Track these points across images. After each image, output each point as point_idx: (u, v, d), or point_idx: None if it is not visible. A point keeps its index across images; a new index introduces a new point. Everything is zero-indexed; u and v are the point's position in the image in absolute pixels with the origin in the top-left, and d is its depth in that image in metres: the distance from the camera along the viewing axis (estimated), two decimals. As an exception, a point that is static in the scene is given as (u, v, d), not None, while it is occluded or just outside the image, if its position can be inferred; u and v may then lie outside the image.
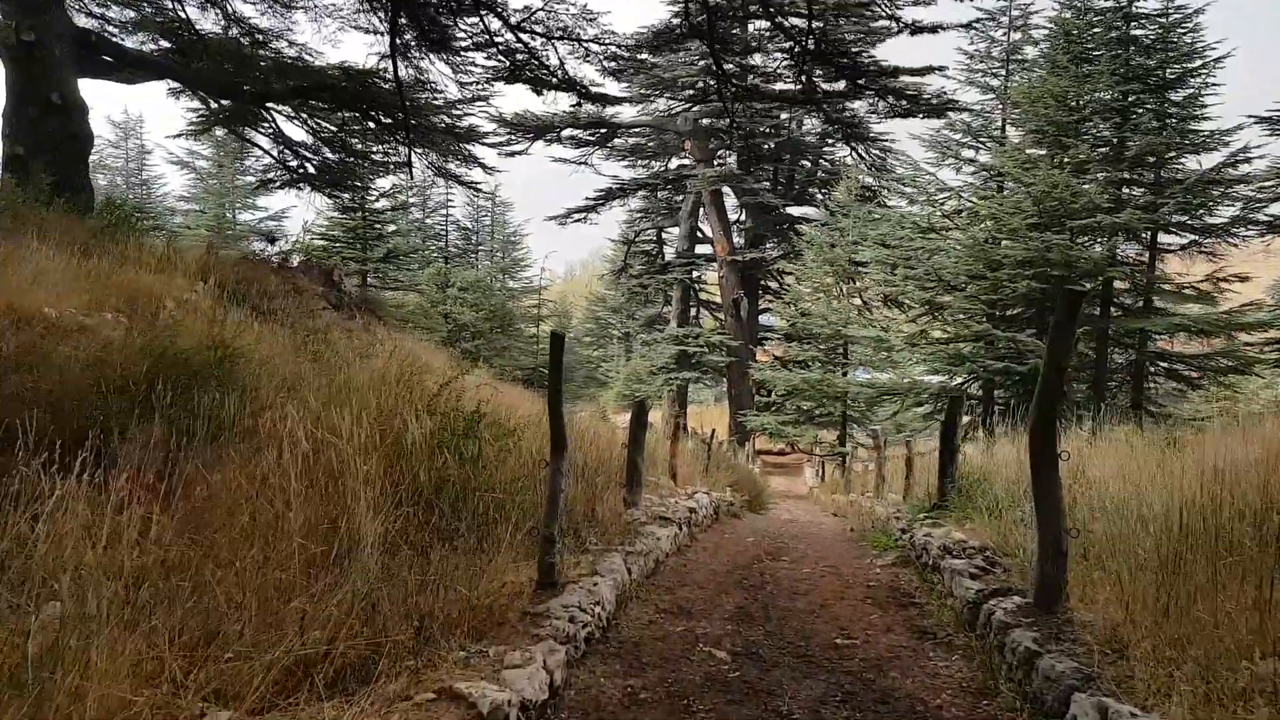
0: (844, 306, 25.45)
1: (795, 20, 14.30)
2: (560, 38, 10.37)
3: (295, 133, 19.67)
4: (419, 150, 18.65)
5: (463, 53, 11.36)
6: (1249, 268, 18.22)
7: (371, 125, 18.25)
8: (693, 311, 35.70)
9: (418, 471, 4.18)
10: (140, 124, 42.67)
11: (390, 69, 15.77)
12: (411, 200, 43.96)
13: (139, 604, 2.77)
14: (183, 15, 15.33)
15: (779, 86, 26.59)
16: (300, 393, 7.09)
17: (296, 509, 3.39)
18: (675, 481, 8.87)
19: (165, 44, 16.79)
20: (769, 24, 16.58)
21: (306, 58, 15.85)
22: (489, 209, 48.43)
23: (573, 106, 11.92)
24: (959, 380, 19.46)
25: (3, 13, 12.94)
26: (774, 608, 4.71)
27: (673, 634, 4.09)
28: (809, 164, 33.90)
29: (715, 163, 32.60)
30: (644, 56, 10.60)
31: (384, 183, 27.84)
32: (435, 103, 17.45)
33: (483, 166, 19.00)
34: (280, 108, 17.86)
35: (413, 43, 11.31)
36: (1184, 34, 17.01)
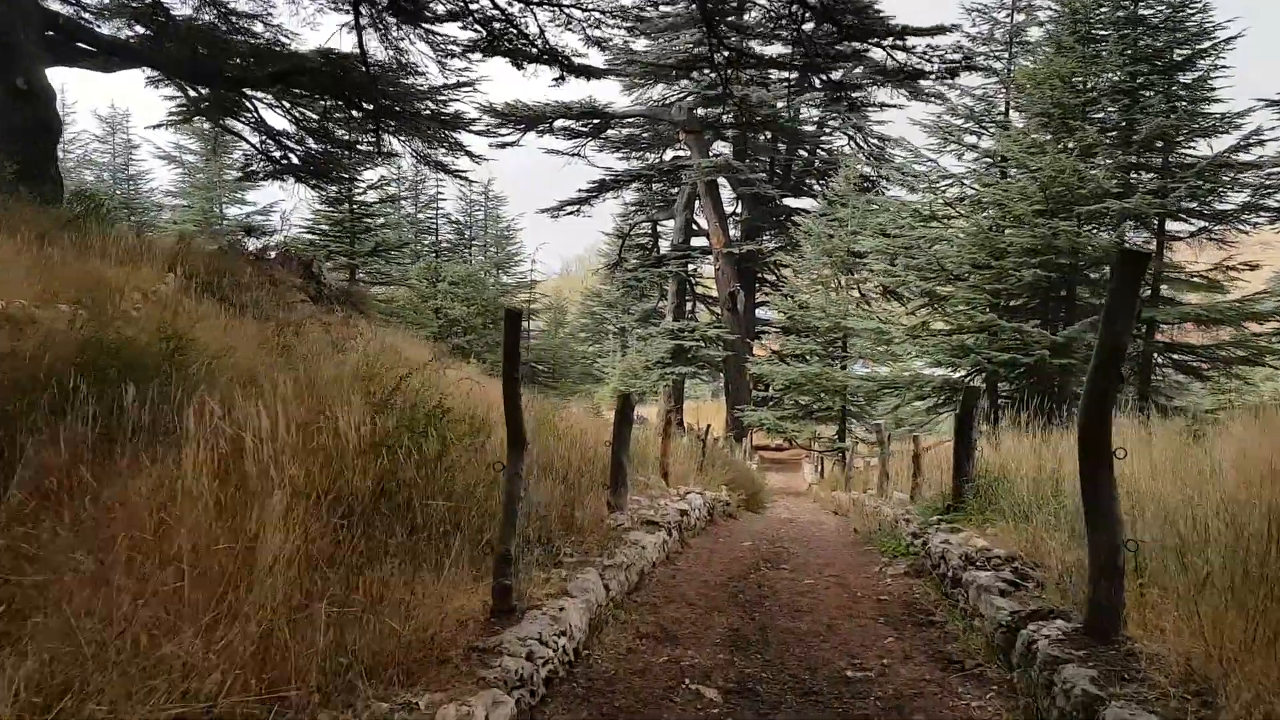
0: (843, 298, 24.87)
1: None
2: (539, 2, 9.74)
3: (278, 123, 19.05)
4: (403, 138, 18.04)
5: (437, 22, 10.73)
6: (1253, 255, 17.70)
7: (355, 113, 17.65)
8: (689, 305, 35.10)
9: (353, 477, 3.58)
10: (127, 118, 41.95)
11: (369, 47, 15.12)
12: (403, 194, 43.42)
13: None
14: (157, -1, 14.69)
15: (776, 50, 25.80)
16: (257, 387, 6.52)
17: (194, 523, 2.79)
18: (667, 481, 8.29)
19: (141, 30, 16.18)
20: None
21: (283, 39, 15.23)
22: (482, 203, 47.78)
23: (555, 80, 11.33)
24: (962, 373, 18.87)
25: (-40, -7, 12.32)
26: (773, 629, 4.12)
27: (654, 666, 3.50)
28: (806, 154, 33.28)
29: (711, 153, 31.98)
30: (629, 24, 9.94)
31: (372, 175, 27.21)
32: (420, 89, 16.85)
33: (469, 154, 18.38)
34: (261, 96, 17.26)
35: (385, 12, 10.66)
36: (1193, 13, 16.43)
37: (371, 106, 17.04)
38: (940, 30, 14.58)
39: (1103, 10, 16.68)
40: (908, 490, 9.28)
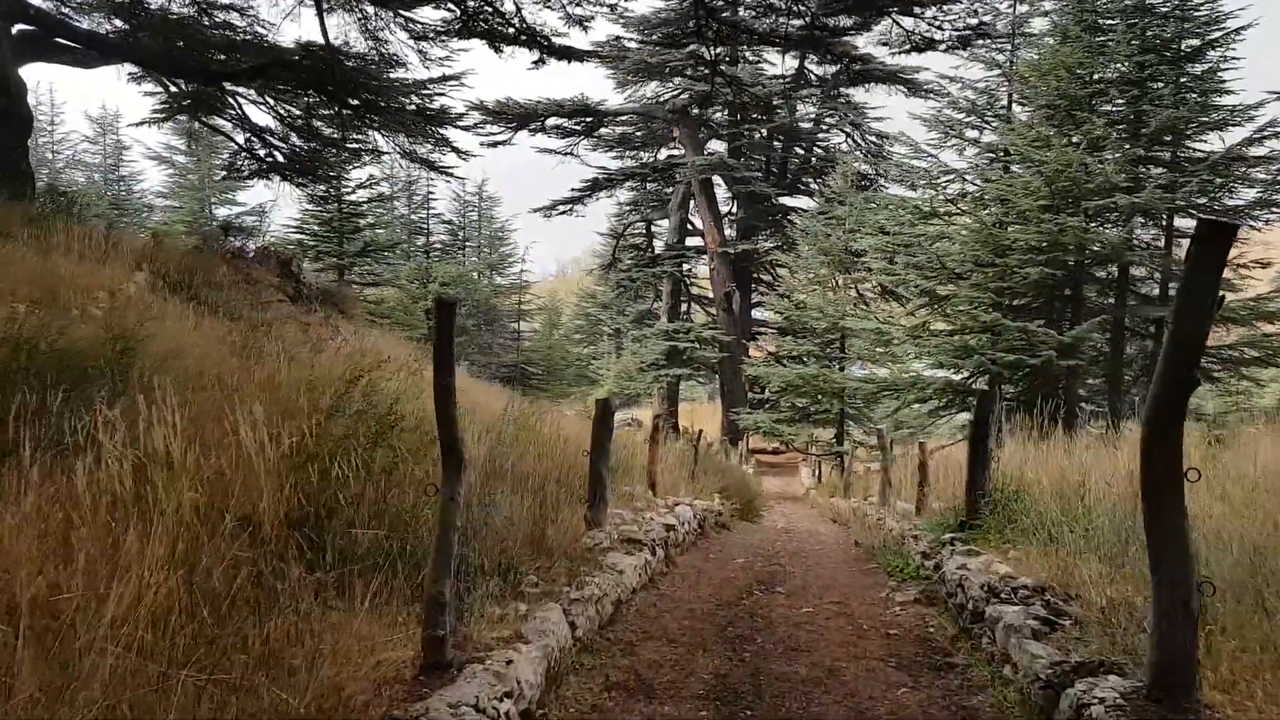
0: (841, 298, 24.31)
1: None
2: (514, -24, 9.16)
3: (263, 120, 18.48)
4: (386, 134, 17.48)
5: (414, 5, 10.15)
6: (1261, 253, 17.23)
7: (340, 109, 17.09)
8: (684, 306, 34.52)
9: (261, 499, 3.00)
10: (118, 119, 41.32)
11: (349, 38, 14.59)
12: (396, 194, 42.79)
13: None
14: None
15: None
16: (206, 391, 6.00)
17: (42, 561, 2.21)
18: (654, 491, 7.72)
19: (120, 24, 15.63)
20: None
21: (261, 30, 14.66)
22: (475, 204, 47.22)
23: (535, 63, 10.75)
24: (964, 374, 18.32)
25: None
26: (767, 675, 3.55)
27: (623, 728, 2.93)
28: (802, 152, 32.74)
29: (705, 152, 31.42)
30: (612, 2, 9.33)
31: (361, 174, 26.65)
32: (404, 83, 16.30)
33: (456, 151, 17.81)
34: (244, 92, 16.72)
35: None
36: (1201, 2, 15.92)
37: (355, 102, 16.51)
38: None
39: (1110, -2, 16.17)
40: (912, 500, 8.73)
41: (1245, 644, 2.54)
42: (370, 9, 10.88)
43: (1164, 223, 16.87)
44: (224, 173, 21.78)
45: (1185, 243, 17.26)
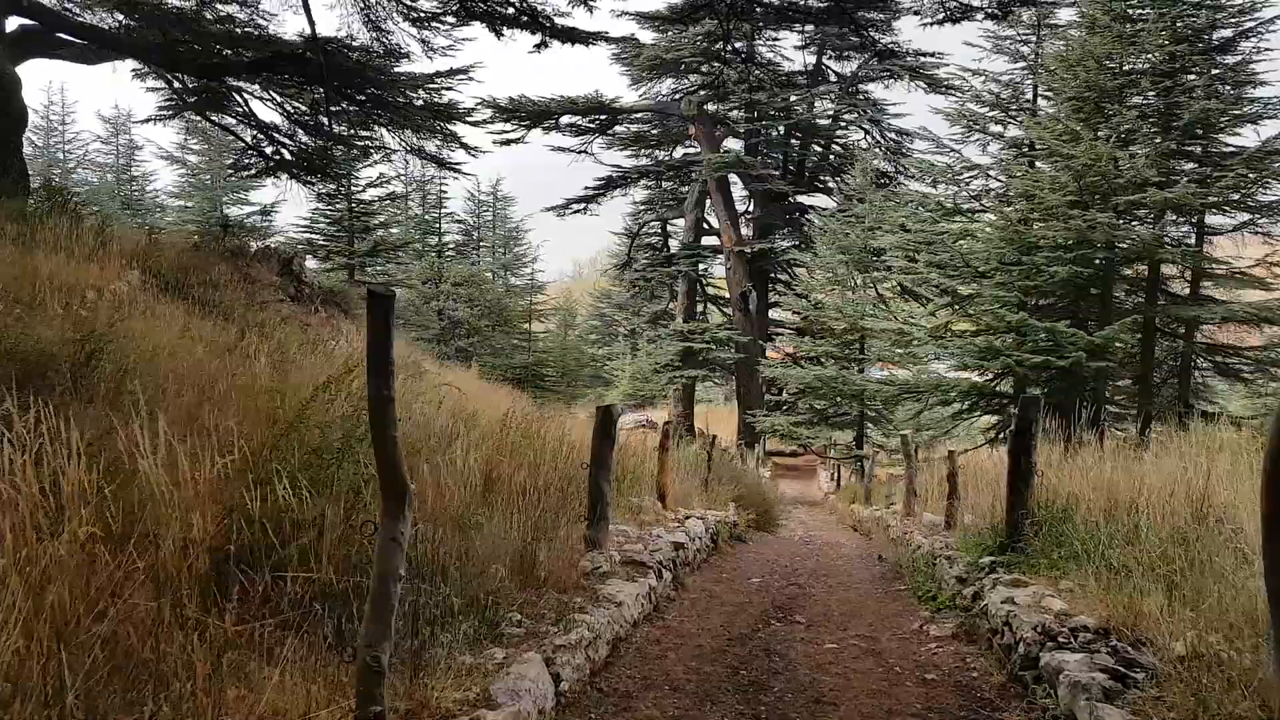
0: (860, 298, 23.72)
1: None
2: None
3: (271, 117, 18.16)
4: (392, 130, 17.09)
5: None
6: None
7: (347, 105, 16.73)
8: (700, 307, 33.99)
9: (173, 533, 2.52)
10: (130, 119, 41.28)
11: (352, 29, 14.21)
12: (410, 193, 42.59)
13: None
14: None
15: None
16: (190, 396, 5.61)
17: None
18: (664, 503, 7.22)
19: (122, 18, 15.33)
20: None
21: (261, 21, 14.28)
22: (490, 203, 46.99)
23: (536, 47, 10.28)
24: (989, 376, 17.71)
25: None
26: (786, 733, 3.05)
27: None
28: (820, 149, 32.13)
29: (722, 150, 30.88)
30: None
31: (372, 172, 26.33)
32: (411, 76, 15.92)
33: (464, 147, 17.40)
34: (250, 88, 16.40)
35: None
36: (1237, -11, 15.26)
37: (361, 97, 16.15)
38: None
39: (1141, -14, 15.51)
40: (938, 512, 8.18)
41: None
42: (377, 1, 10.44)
43: (1195, 220, 16.20)
44: (231, 171, 21.49)
45: (1217, 240, 16.71)
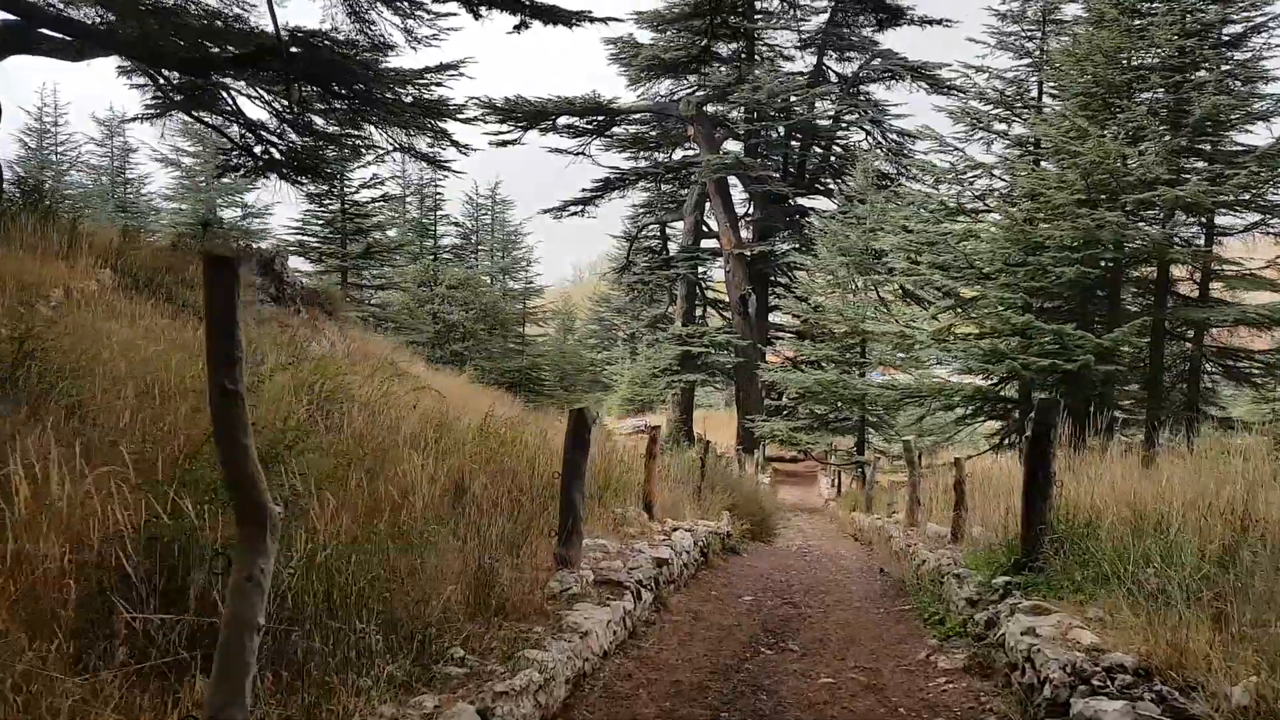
0: (861, 300, 23.25)
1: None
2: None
3: (260, 116, 17.74)
4: (381, 127, 16.66)
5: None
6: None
7: (334, 102, 16.31)
8: (699, 310, 33.53)
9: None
10: (123, 121, 40.91)
11: (336, 20, 13.84)
12: (407, 195, 42.23)
13: None
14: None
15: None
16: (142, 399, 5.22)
17: None
18: (651, 514, 6.75)
19: (103, 10, 14.93)
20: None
21: (241, 10, 13.83)
22: (488, 207, 46.63)
23: (515, 28, 9.83)
24: (993, 380, 17.24)
25: None
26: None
27: None
28: (821, 150, 31.70)
29: (721, 151, 30.45)
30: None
31: (365, 173, 25.89)
32: (400, 72, 15.50)
33: (455, 145, 16.94)
34: (237, 86, 15.99)
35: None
36: (1247, -18, 14.84)
37: (348, 93, 15.74)
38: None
39: (1150, -23, 15.08)
40: (944, 522, 7.71)
41: None
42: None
43: (1205, 220, 15.74)
44: (219, 172, 21.08)
45: (1226, 240, 16.25)
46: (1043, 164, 16.28)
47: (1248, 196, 14.96)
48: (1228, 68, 14.96)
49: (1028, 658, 3.26)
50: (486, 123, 28.88)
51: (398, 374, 11.39)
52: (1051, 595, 3.81)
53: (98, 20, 15.17)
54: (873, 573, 7.51)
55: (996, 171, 17.34)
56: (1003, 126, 17.73)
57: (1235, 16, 15.05)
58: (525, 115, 29.12)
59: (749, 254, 29.30)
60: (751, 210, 32.10)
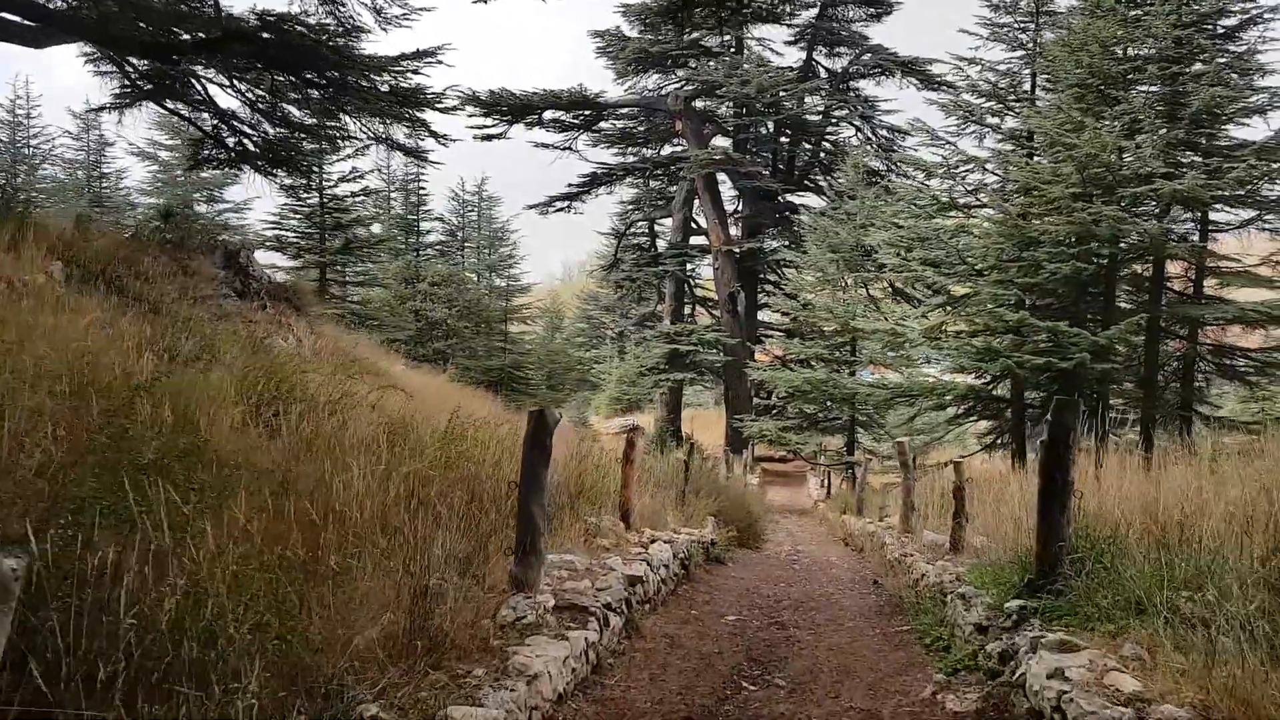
0: (851, 298, 22.83)
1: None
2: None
3: (232, 105, 17.15)
4: (355, 117, 16.07)
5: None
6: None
7: (307, 89, 15.73)
8: (688, 308, 33.05)
9: None
10: (91, 111, 40.08)
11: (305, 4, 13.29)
12: (393, 192, 41.58)
13: None
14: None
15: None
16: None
17: None
18: (628, 523, 6.24)
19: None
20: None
21: (207, -4, 13.24)
22: (475, 204, 46.02)
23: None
24: (984, 380, 16.83)
25: None
26: None
27: None
28: (811, 146, 31.28)
29: (710, 147, 29.97)
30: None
31: (345, 165, 25.27)
32: (375, 58, 14.94)
33: (434, 135, 16.39)
34: (206, 72, 15.40)
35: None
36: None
37: (321, 80, 15.17)
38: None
39: (1148, -33, 14.68)
40: (941, 531, 7.25)
41: None
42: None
43: (1198, 215, 15.38)
44: (189, 163, 20.44)
45: (1221, 237, 15.90)
46: (1036, 157, 15.87)
47: (1244, 191, 14.61)
48: (1224, 60, 14.60)
49: (1056, 707, 2.77)
50: (471, 116, 28.33)
51: (367, 372, 10.85)
52: (1076, 624, 3.33)
53: (60, 3, 14.54)
54: (866, 584, 7.04)
55: (989, 166, 16.92)
56: (995, 120, 17.33)
57: (1232, 8, 14.69)
58: (510, 109, 28.59)
59: (738, 251, 28.84)
60: (740, 207, 31.67)
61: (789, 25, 29.69)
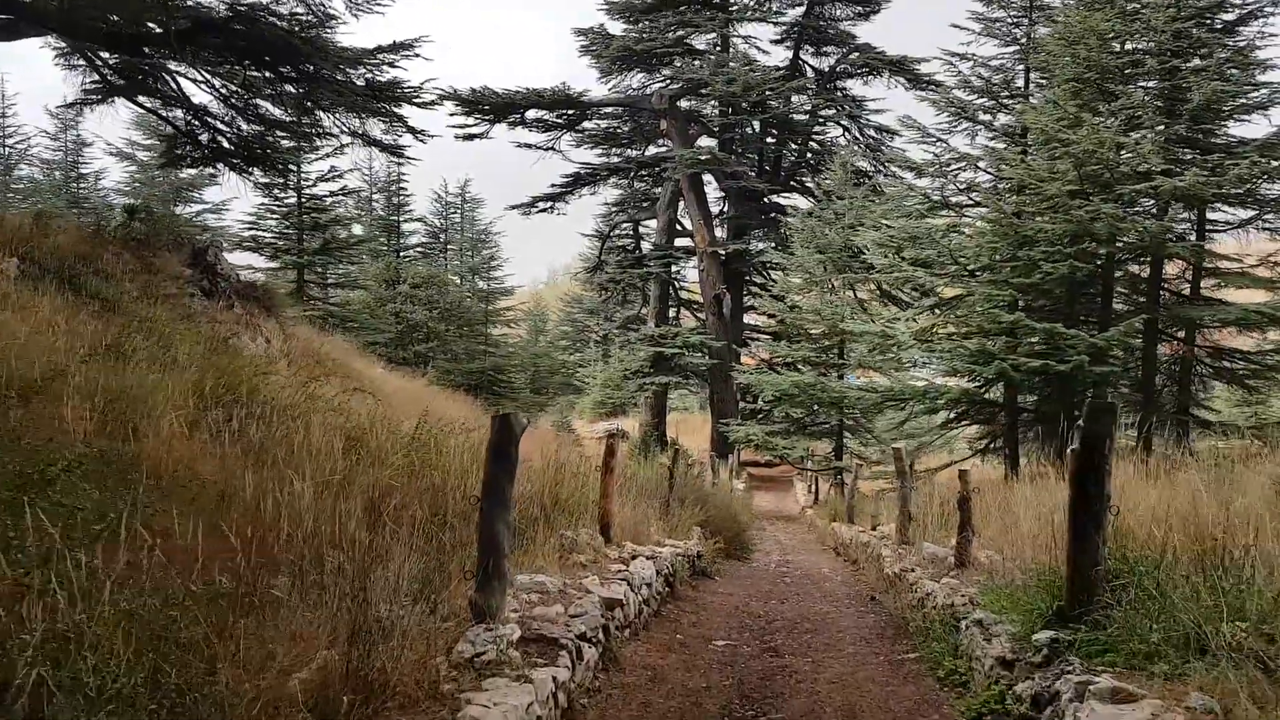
0: (839, 300, 22.44)
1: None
2: None
3: (207, 101, 16.57)
4: (329, 112, 15.53)
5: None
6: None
7: (283, 85, 15.19)
8: (673, 311, 32.57)
9: None
10: (62, 106, 39.21)
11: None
12: (375, 194, 40.94)
13: None
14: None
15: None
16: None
17: None
18: (608, 537, 5.75)
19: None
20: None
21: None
22: (458, 205, 45.40)
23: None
24: (978, 383, 16.44)
25: None
26: None
27: None
28: (797, 146, 30.91)
29: (695, 146, 29.53)
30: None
31: (324, 164, 24.65)
32: (350, 51, 14.42)
33: (412, 130, 15.86)
34: (179, 67, 14.83)
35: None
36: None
37: (294, 74, 14.64)
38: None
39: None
40: (942, 543, 6.79)
41: None
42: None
43: (1196, 213, 15.07)
44: (162, 161, 19.79)
45: (1219, 237, 15.56)
46: (1031, 154, 15.52)
47: (1244, 190, 14.29)
48: (1224, 54, 14.28)
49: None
50: (452, 115, 27.80)
51: (339, 374, 10.35)
52: (1121, 663, 2.87)
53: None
54: (863, 601, 6.57)
55: (982, 164, 16.55)
56: (988, 117, 16.98)
57: (1232, 1, 14.39)
58: (492, 107, 28.07)
59: (724, 253, 28.40)
60: (726, 208, 31.26)
61: (776, 23, 29.32)
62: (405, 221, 35.06)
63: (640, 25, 28.37)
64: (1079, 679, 2.74)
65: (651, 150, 32.09)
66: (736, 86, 26.15)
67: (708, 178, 29.76)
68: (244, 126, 16.49)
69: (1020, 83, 17.01)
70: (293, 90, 15.36)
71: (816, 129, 30.38)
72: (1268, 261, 15.18)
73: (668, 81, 29.62)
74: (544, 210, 31.07)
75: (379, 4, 11.11)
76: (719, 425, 26.20)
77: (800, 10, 29.01)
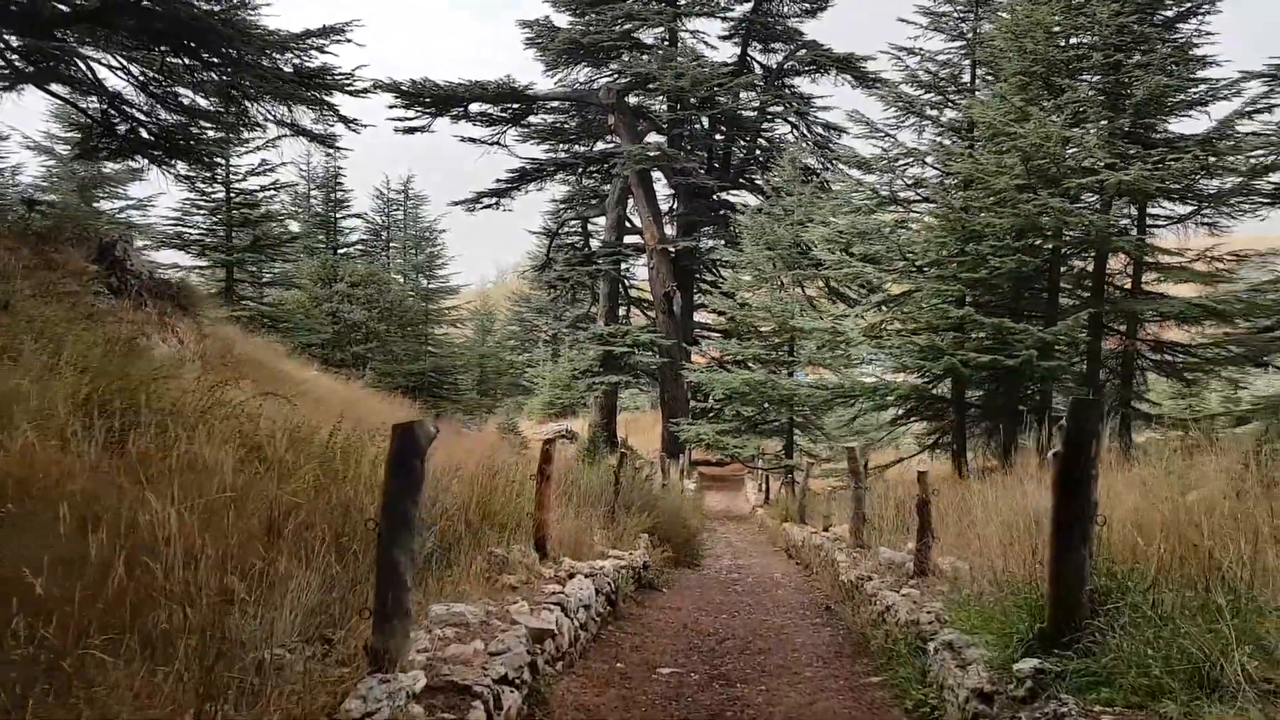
0: (789, 296, 22.22)
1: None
2: None
3: (124, 88, 15.57)
4: (255, 100, 14.71)
5: None
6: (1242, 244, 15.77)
7: (209, 74, 14.34)
8: (622, 309, 32.10)
9: None
10: (-8, 104, 37.19)
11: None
12: (312, 190, 39.61)
13: None
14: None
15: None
16: None
17: None
18: (544, 552, 5.25)
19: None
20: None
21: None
22: (400, 202, 44.25)
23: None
24: (926, 379, 16.31)
25: None
26: None
27: None
28: (746, 143, 30.68)
29: (643, 143, 29.11)
30: None
31: (254, 158, 23.61)
32: (276, 35, 13.66)
33: (344, 119, 15.13)
34: (97, 56, 13.90)
35: None
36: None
37: (217, 60, 13.85)
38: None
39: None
40: (898, 546, 6.44)
41: None
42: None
43: (1137, 208, 15.12)
44: (76, 153, 18.67)
45: (1159, 232, 15.66)
46: (978, 149, 15.43)
47: (1183, 185, 14.35)
48: (1165, 50, 14.33)
49: None
50: (392, 108, 26.95)
51: (260, 378, 9.62)
52: (1122, 702, 2.49)
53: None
54: (818, 611, 6.19)
55: (930, 159, 16.41)
56: (935, 112, 16.87)
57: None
58: (434, 100, 27.26)
59: (673, 250, 28.04)
60: (676, 205, 30.91)
61: (724, 19, 29.05)
62: (344, 218, 33.95)
63: (587, 18, 27.83)
64: (1046, 697, 2.33)
65: (600, 146, 31.58)
66: (685, 81, 25.79)
67: (657, 174, 29.38)
68: (164, 116, 15.58)
69: (967, 78, 16.94)
70: (215, 77, 14.54)
71: (765, 126, 30.21)
72: (1205, 256, 15.33)
73: (615, 76, 29.16)
74: (489, 206, 30.38)
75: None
76: (670, 425, 25.83)
77: (748, 6, 28.80)
